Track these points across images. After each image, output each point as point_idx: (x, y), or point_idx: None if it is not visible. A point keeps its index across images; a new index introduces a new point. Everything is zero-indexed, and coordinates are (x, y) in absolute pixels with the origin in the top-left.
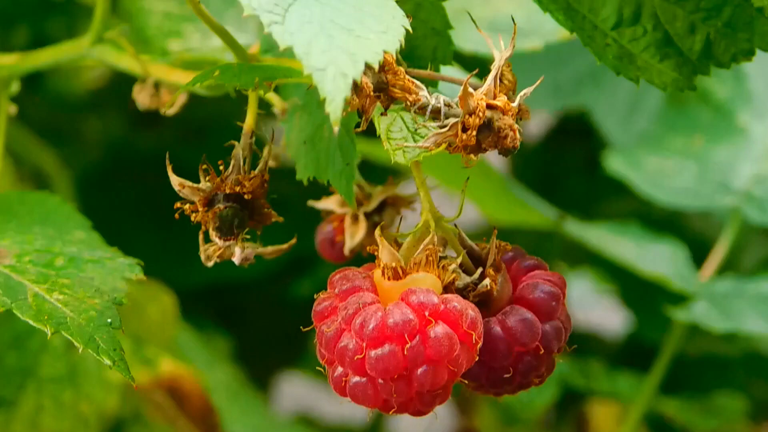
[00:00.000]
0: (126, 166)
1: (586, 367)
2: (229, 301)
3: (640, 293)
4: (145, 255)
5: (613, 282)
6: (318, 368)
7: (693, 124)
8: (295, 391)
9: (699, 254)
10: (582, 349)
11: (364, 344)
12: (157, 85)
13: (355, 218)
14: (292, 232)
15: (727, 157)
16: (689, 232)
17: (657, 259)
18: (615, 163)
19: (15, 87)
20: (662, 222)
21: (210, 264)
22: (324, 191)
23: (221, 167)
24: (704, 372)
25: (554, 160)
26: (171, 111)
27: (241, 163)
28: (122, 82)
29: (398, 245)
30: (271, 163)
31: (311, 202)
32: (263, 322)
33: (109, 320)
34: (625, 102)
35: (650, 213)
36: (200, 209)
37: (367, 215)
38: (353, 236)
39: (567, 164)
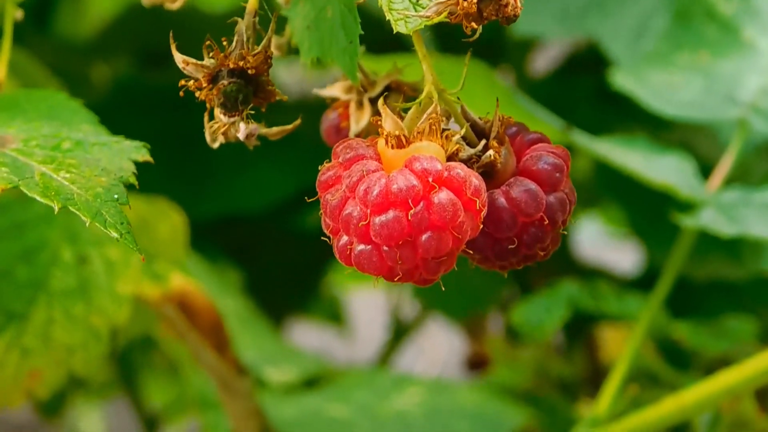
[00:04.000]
0: (134, 103)
1: (595, 288)
2: (240, 235)
3: (650, 220)
4: (155, 188)
5: (622, 212)
6: (326, 315)
7: (699, 40)
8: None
9: (707, 174)
10: None
11: (369, 211)
12: None
13: (359, 104)
14: (302, 165)
15: (733, 71)
16: (699, 156)
17: (665, 169)
18: (621, 79)
19: None
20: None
21: (215, 145)
22: None
23: (225, 44)
24: (712, 297)
25: (564, 91)
26: (175, 5)
27: (245, 39)
28: (128, 23)
29: (402, 118)
30: (276, 53)
31: (317, 90)
32: (274, 258)
33: (116, 196)
34: (633, 27)
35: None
36: (204, 86)
37: (372, 101)
38: (358, 121)
39: (576, 95)
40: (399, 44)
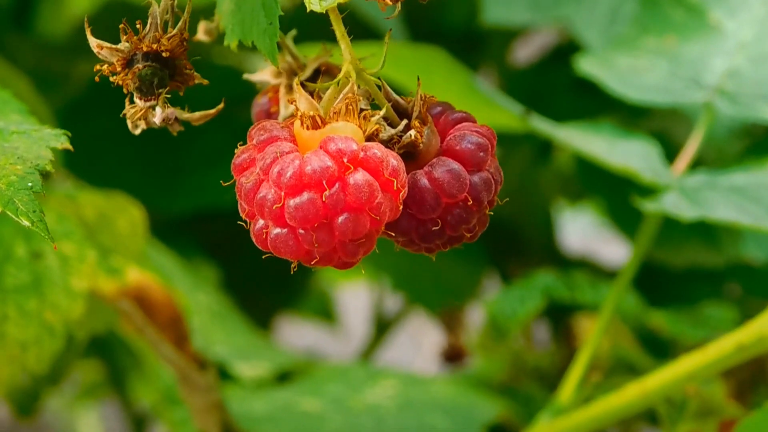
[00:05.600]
0: (110, 100)
1: (570, 278)
2: (218, 232)
3: (626, 209)
4: (129, 185)
5: (604, 205)
6: (316, 312)
7: (665, 24)
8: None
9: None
10: None
11: (283, 193)
12: None
13: (289, 88)
14: None
15: (699, 54)
16: (677, 144)
17: (628, 153)
18: (586, 64)
19: None
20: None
21: (137, 132)
22: None
23: (139, 27)
24: (691, 285)
25: (544, 81)
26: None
27: (158, 22)
28: (104, 21)
29: (320, 99)
30: (204, 38)
31: (247, 76)
32: (255, 254)
33: (29, 184)
34: (605, 13)
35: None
36: (119, 70)
37: (302, 85)
38: (288, 106)
39: (557, 85)
40: (369, 33)
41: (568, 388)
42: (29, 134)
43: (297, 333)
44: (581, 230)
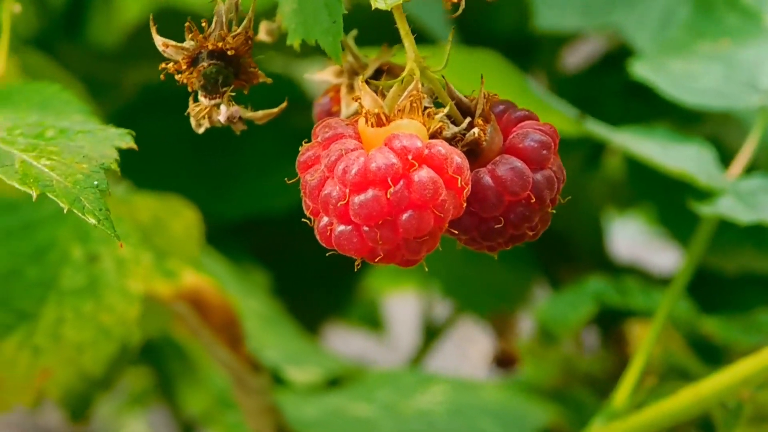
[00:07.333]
0: (161, 107)
1: (622, 284)
2: (267, 237)
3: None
4: (180, 191)
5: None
6: (363, 320)
7: (719, 28)
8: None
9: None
10: None
11: (347, 190)
12: None
13: (350, 88)
14: None
15: (754, 58)
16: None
17: (683, 157)
18: (640, 68)
19: None
20: None
21: (201, 130)
22: None
23: (204, 25)
24: (744, 291)
25: (594, 87)
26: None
27: (224, 20)
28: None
29: (383, 97)
30: (266, 38)
31: (308, 75)
32: (304, 260)
33: (96, 182)
34: (658, 18)
35: None
36: (184, 68)
37: (366, 82)
38: (349, 105)
39: (607, 91)
40: (419, 38)
41: (622, 393)
42: (94, 133)
43: (343, 341)
44: (630, 239)
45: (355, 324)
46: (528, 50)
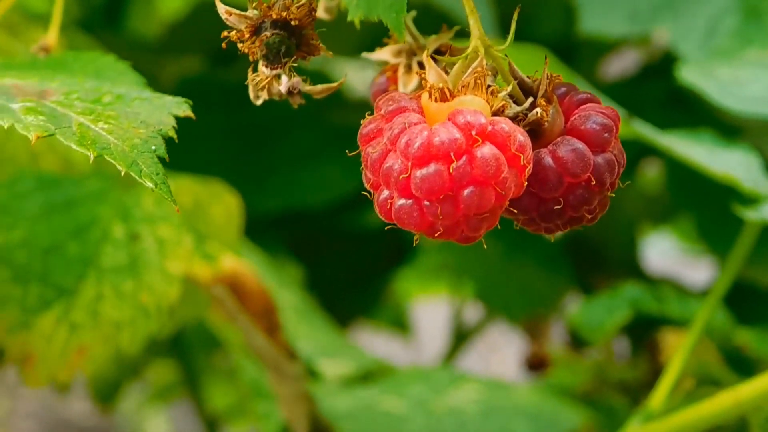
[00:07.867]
0: (200, 100)
1: (658, 290)
2: (302, 232)
3: (718, 225)
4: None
5: (691, 218)
6: (391, 323)
7: None
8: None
9: None
10: None
11: (410, 164)
12: None
13: (408, 68)
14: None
15: None
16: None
17: (728, 162)
18: (687, 74)
19: None
20: None
21: (258, 102)
22: None
23: None
24: None
25: (635, 95)
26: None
27: None
28: (196, 22)
29: (448, 72)
30: (325, 16)
31: (366, 54)
32: (336, 257)
33: (153, 147)
34: (704, 26)
35: None
36: (247, 37)
37: (421, 64)
38: (406, 85)
39: (647, 100)
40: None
41: (659, 395)
42: (151, 101)
43: (369, 343)
44: (662, 254)
45: (382, 326)
46: (569, 57)
